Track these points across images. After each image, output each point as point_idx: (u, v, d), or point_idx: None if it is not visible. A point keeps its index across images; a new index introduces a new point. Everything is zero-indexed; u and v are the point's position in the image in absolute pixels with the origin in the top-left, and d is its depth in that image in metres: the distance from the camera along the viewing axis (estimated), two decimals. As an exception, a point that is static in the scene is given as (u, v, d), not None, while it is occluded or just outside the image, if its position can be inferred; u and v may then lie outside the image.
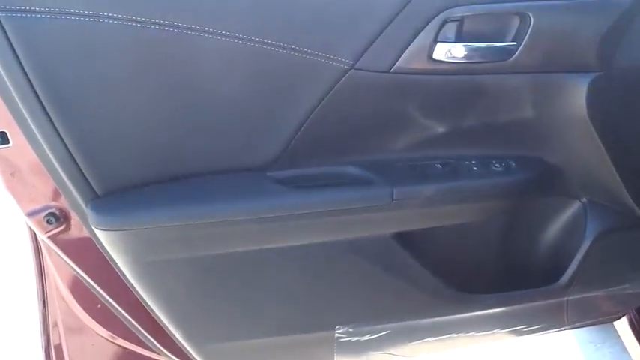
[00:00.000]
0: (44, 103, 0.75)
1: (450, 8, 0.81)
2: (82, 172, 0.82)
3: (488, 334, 1.20)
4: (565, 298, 1.15)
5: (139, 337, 1.10)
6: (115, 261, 0.92)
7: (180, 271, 0.94)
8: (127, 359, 1.15)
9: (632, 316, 1.50)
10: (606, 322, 1.47)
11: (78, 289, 1.05)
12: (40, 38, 0.72)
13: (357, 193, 0.93)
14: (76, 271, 1.00)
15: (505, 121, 0.96)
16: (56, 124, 0.77)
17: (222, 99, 0.83)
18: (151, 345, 1.12)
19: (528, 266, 1.15)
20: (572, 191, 1.08)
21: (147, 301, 0.97)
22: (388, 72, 0.84)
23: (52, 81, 0.75)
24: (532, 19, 0.83)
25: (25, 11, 0.70)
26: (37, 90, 0.74)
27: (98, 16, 0.72)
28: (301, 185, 0.91)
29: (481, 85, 0.90)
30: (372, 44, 0.81)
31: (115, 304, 1.04)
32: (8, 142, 0.87)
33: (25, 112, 0.77)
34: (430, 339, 1.15)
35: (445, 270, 1.05)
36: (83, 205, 0.85)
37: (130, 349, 1.14)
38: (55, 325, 1.11)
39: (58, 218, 0.93)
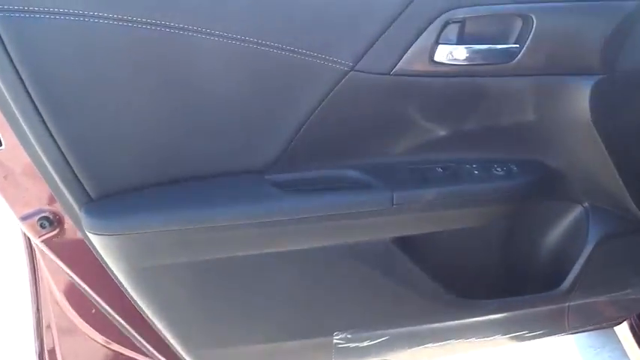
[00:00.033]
0: (37, 103, 0.74)
1: (452, 10, 0.80)
2: (76, 175, 0.81)
3: (488, 340, 1.19)
4: (567, 304, 1.14)
5: (133, 343, 1.09)
6: (109, 266, 0.90)
7: (176, 277, 0.93)
8: (122, 364, 1.14)
9: (632, 321, 1.49)
10: (607, 327, 1.46)
11: (72, 293, 1.04)
12: (32, 38, 0.71)
13: (356, 197, 0.92)
14: (70, 275, 0.99)
15: (507, 124, 0.95)
16: (49, 125, 0.76)
17: (220, 100, 0.82)
18: (146, 351, 1.11)
19: (529, 271, 1.15)
20: (575, 195, 1.07)
21: (142, 306, 0.96)
22: (388, 74, 0.83)
23: (45, 82, 0.74)
24: (535, 21, 0.83)
25: (16, 11, 0.69)
26: (30, 91, 0.73)
27: (93, 16, 0.71)
28: (300, 189, 0.91)
29: (483, 87, 0.89)
30: (372, 46, 0.81)
31: (110, 310, 1.03)
32: (0, 145, 0.85)
33: (17, 113, 0.75)
34: (430, 345, 1.14)
35: (445, 275, 1.04)
36: (77, 209, 0.84)
37: (125, 355, 1.13)
38: (49, 329, 1.10)
39: (51, 222, 0.92)
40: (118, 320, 1.04)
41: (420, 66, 0.84)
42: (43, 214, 0.92)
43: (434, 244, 1.03)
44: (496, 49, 0.85)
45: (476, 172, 0.97)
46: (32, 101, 0.74)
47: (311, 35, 0.79)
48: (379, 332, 1.08)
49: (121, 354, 1.13)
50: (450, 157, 0.97)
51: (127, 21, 0.72)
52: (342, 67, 0.81)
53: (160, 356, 1.11)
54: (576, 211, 1.09)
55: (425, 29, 0.80)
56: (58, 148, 0.78)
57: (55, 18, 0.70)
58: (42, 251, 0.98)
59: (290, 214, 0.89)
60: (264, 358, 1.10)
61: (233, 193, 0.88)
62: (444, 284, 1.05)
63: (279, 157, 0.89)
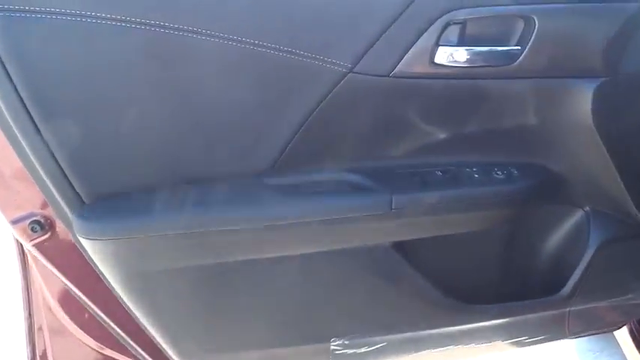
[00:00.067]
0: (27, 105, 0.73)
1: (453, 11, 0.79)
2: (68, 178, 0.80)
3: (488, 346, 1.18)
4: (567, 309, 1.14)
5: (126, 348, 1.08)
6: (101, 271, 0.89)
7: (170, 282, 0.91)
8: (115, 370, 1.13)
9: (632, 326, 1.49)
10: (607, 332, 1.45)
11: (65, 298, 1.02)
12: (23, 39, 0.70)
13: (354, 201, 0.91)
14: (62, 280, 0.97)
15: (508, 127, 0.95)
16: (40, 127, 0.75)
17: (216, 102, 0.81)
18: (139, 356, 1.09)
19: (530, 276, 1.14)
20: (576, 199, 1.06)
21: (135, 312, 0.94)
22: (388, 76, 0.82)
23: (36, 83, 0.73)
24: (537, 23, 0.82)
25: (6, 10, 0.67)
26: (20, 92, 0.72)
27: (87, 16, 0.70)
28: (297, 192, 0.89)
29: (484, 90, 0.88)
30: (371, 47, 0.80)
31: (103, 315, 1.01)
32: (-10, 147, 0.84)
33: (7, 115, 0.74)
34: (429, 351, 1.13)
35: (445, 280, 1.03)
36: (69, 213, 0.83)
37: (118, 360, 1.11)
38: (41, 334, 1.08)
39: (43, 226, 0.90)
40: (110, 325, 1.03)
41: (420, 68, 0.83)
42: (35, 218, 0.90)
43: (433, 248, 1.02)
44: (497, 51, 0.85)
45: (476, 175, 0.96)
46: (23, 103, 0.72)
47: (309, 36, 0.78)
48: (377, 338, 1.07)
49: (114, 359, 1.11)
50: (450, 160, 0.96)
51: (121, 21, 0.71)
52: (340, 69, 0.80)
53: (154, 362, 1.10)
54: (577, 216, 1.08)
55: (425, 30, 0.79)
56: (49, 150, 0.76)
57: (42, 17, 0.68)
58: (34, 255, 0.96)
59: (286, 218, 0.88)
60: None
61: (228, 197, 0.87)
62: (444, 289, 1.04)
63: (276, 160, 0.87)
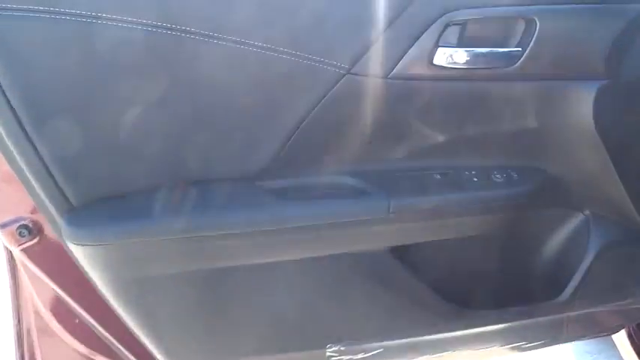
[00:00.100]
0: (14, 106, 0.71)
1: (453, 11, 0.78)
2: (57, 182, 0.78)
3: (486, 351, 1.18)
4: (566, 314, 1.14)
5: (117, 354, 1.07)
6: (91, 276, 0.87)
7: (161, 288, 0.90)
8: (106, 376, 1.11)
9: (630, 329, 1.49)
10: (605, 336, 1.45)
11: (54, 303, 1.01)
12: (12, 39, 0.68)
13: (351, 205, 0.90)
14: (51, 285, 0.96)
15: (507, 129, 0.94)
16: (27, 129, 0.73)
17: (212, 104, 0.80)
18: (131, 363, 1.07)
19: (529, 281, 1.14)
20: (576, 203, 1.06)
21: (125, 318, 0.93)
22: (386, 77, 0.81)
23: (24, 85, 0.71)
24: (538, 24, 0.81)
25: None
26: (7, 93, 0.70)
27: (85, 16, 0.68)
28: (293, 196, 0.88)
29: (483, 92, 0.88)
30: (369, 48, 0.79)
31: (93, 321, 1.00)
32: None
33: None
34: (427, 357, 1.12)
35: (443, 285, 1.03)
36: (58, 217, 0.81)
37: (109, 367, 1.10)
38: (30, 340, 1.07)
39: (31, 231, 0.89)
40: (100, 331, 1.02)
41: (419, 69, 0.82)
42: (23, 222, 0.89)
43: (431, 253, 1.02)
44: (498, 53, 0.84)
45: (475, 179, 0.95)
46: (9, 104, 0.71)
47: (307, 37, 0.77)
48: (374, 344, 1.06)
49: (105, 366, 1.10)
50: (449, 163, 0.96)
51: (119, 21, 0.70)
52: (337, 70, 0.79)
53: (145, 369, 1.08)
54: (577, 219, 1.08)
55: (424, 31, 0.79)
56: (37, 152, 0.75)
57: (34, 17, 0.67)
58: (22, 260, 0.94)
59: (282, 222, 0.86)
60: None
61: (222, 201, 0.85)
62: (442, 294, 1.03)
63: (271, 163, 0.86)
